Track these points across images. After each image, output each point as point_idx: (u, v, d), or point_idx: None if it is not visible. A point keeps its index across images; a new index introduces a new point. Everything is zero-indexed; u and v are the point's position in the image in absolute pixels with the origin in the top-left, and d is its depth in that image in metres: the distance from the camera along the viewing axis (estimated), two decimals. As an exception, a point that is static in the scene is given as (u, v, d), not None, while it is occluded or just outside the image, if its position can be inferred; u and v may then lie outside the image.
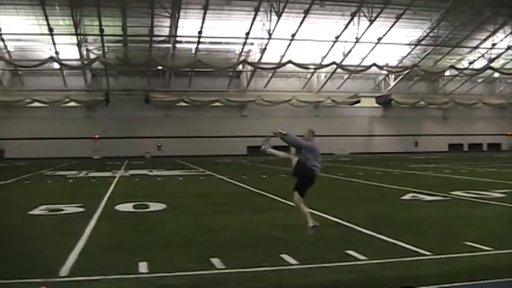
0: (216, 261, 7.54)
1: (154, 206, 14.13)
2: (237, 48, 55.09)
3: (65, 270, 7.24)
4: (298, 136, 10.64)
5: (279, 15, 47.47)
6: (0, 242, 9.51)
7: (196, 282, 6.61)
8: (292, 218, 11.66)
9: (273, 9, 47.64)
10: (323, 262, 7.47)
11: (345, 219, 11.39)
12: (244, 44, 53.03)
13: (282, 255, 7.83)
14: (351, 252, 8.01)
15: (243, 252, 8.29)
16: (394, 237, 9.15)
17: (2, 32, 48.37)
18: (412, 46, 57.35)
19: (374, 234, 9.66)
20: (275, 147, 11.01)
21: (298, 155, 10.50)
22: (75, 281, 6.71)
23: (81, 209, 13.68)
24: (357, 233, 9.95)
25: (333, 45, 54.23)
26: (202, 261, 7.55)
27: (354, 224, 10.79)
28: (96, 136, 56.84)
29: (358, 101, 60.89)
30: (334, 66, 55.68)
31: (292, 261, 7.55)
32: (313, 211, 12.55)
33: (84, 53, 52.84)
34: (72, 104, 56.69)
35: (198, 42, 51.58)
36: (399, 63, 60.17)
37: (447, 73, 62.79)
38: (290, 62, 53.50)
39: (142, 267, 7.30)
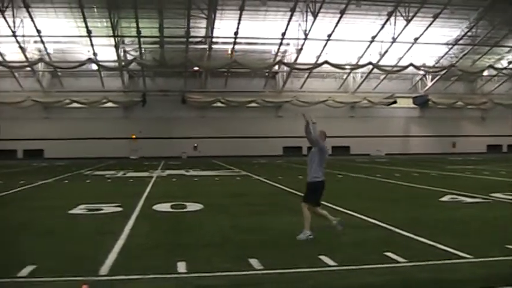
0: (254, 261, 7.57)
1: (192, 206, 14.22)
2: (273, 49, 55.02)
3: (104, 269, 7.35)
4: None
5: (315, 16, 47.30)
6: (42, 241, 9.64)
7: (235, 282, 6.64)
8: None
9: (309, 10, 47.50)
10: (361, 264, 7.44)
11: (382, 220, 11.31)
12: (280, 44, 52.96)
13: (320, 257, 7.82)
14: (389, 254, 7.97)
15: (281, 253, 8.30)
16: (433, 239, 9.06)
17: (42, 34, 49.13)
18: (450, 46, 56.51)
19: (412, 236, 9.58)
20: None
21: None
22: (115, 280, 6.80)
23: (120, 209, 13.86)
24: (396, 235, 9.87)
25: (369, 45, 53.83)
26: (240, 262, 7.59)
27: (392, 225, 10.71)
28: (133, 136, 57.37)
29: (395, 102, 60.25)
30: (371, 66, 55.23)
31: (330, 262, 7.54)
32: (351, 212, 12.61)
33: (122, 54, 53.38)
34: (110, 104, 57.31)
35: (234, 43, 51.67)
36: (436, 63, 59.41)
37: (485, 73, 61.65)
38: (326, 62, 53.24)
39: (181, 267, 7.37)
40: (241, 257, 7.89)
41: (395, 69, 56.58)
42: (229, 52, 53.12)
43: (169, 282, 6.67)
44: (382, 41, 52.93)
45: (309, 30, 49.15)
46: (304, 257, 7.87)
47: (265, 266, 7.33)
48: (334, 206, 13.77)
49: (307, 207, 9.96)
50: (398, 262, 7.55)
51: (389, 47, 53.27)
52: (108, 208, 13.88)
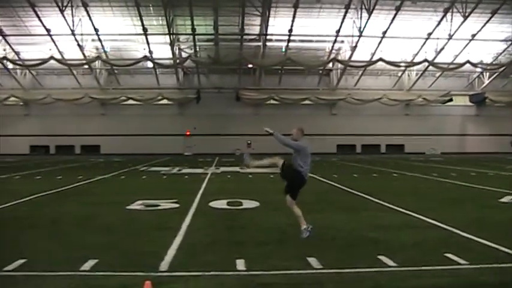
0: (312, 260, 7.55)
1: (248, 204, 14.26)
2: (327, 46, 54.93)
3: (164, 265, 7.43)
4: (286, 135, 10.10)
5: (369, 13, 46.95)
6: (102, 236, 9.81)
7: (295, 281, 6.62)
8: (387, 219, 11.56)
9: (363, 6, 47.18)
10: (422, 265, 7.33)
11: (441, 221, 11.08)
12: (335, 41, 52.80)
13: (379, 257, 7.74)
14: (450, 255, 7.83)
15: (340, 252, 8.24)
16: (495, 241, 8.83)
17: (100, 32, 50.10)
18: (508, 42, 55.29)
19: (473, 237, 9.36)
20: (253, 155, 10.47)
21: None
22: (176, 276, 6.86)
23: (176, 205, 13.98)
24: (456, 236, 9.66)
25: (424, 43, 53.13)
26: (299, 260, 7.57)
27: (451, 226, 10.48)
28: (188, 133, 57.92)
29: (451, 100, 59.30)
30: (426, 63, 54.46)
31: (390, 263, 7.45)
32: (409, 212, 12.42)
33: (177, 52, 54.07)
34: (165, 101, 58.16)
35: (288, 41, 51.68)
36: (494, 60, 58.25)
37: (546, 70, 60.11)
38: (381, 59, 52.77)
39: (240, 264, 7.40)
40: (300, 255, 7.86)
41: (451, 66, 55.68)
42: (283, 50, 53.16)
43: (229, 280, 6.69)
44: (438, 38, 52.25)
45: (364, 27, 48.85)
46: (363, 257, 7.81)
47: (324, 265, 7.29)
48: (391, 205, 13.66)
49: (293, 204, 9.73)
50: (459, 264, 7.40)
51: (446, 44, 52.50)
52: (165, 204, 14.02)
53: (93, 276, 6.85)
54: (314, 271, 7.08)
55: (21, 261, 7.60)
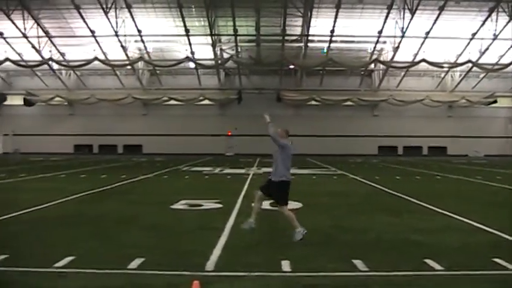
0: (358, 262, 7.53)
1: (291, 205, 14.11)
2: (369, 47, 54.50)
3: (210, 264, 7.50)
4: None
5: (412, 13, 46.37)
6: (147, 235, 9.93)
7: (341, 283, 6.61)
8: (432, 221, 11.46)
9: (406, 7, 46.61)
10: (469, 269, 7.27)
11: (488, 224, 10.93)
12: (377, 42, 52.35)
13: (425, 260, 7.68)
14: (498, 260, 7.72)
15: (385, 255, 8.20)
16: (545, 247, 8.68)
17: (142, 33, 50.69)
18: (555, 42, 54.10)
19: (522, 242, 9.22)
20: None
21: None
22: (222, 276, 6.92)
23: (219, 205, 14.10)
24: (503, 240, 9.52)
25: (468, 43, 52.27)
26: (345, 262, 7.57)
27: (498, 230, 10.34)
28: (229, 133, 58.15)
29: (495, 101, 58.18)
30: (470, 64, 53.50)
31: (437, 266, 7.39)
32: (453, 215, 12.28)
33: (218, 52, 54.30)
34: (206, 102, 58.38)
35: (330, 41, 51.45)
36: (541, 61, 56.97)
37: None
38: (423, 60, 52.09)
39: (285, 265, 7.42)
40: (345, 257, 7.86)
41: (496, 67, 54.54)
42: (324, 51, 53.00)
43: (275, 281, 6.71)
44: (482, 38, 51.27)
45: (406, 28, 48.26)
46: (408, 260, 7.77)
47: (370, 268, 7.27)
48: (435, 208, 13.52)
49: (286, 208, 9.72)
50: (509, 270, 7.28)
51: (490, 45, 51.53)
52: (208, 204, 14.13)
53: (140, 275, 6.96)
54: (360, 273, 7.06)
55: (70, 258, 7.76)
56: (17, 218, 11.90)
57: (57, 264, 7.41)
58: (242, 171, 30.31)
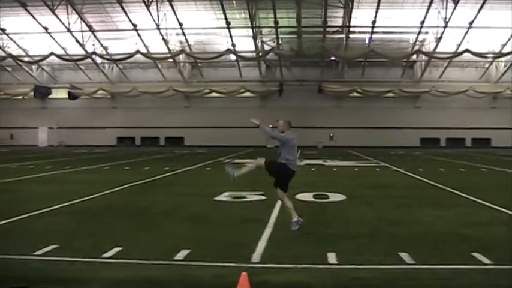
0: (405, 255, 7.45)
1: (334, 197, 14.22)
2: (411, 38, 53.76)
3: (256, 256, 7.52)
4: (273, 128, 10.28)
5: (455, 2, 45.54)
6: (192, 226, 10.02)
7: (389, 276, 6.56)
8: (479, 215, 11.28)
9: (449, -4, 45.92)
10: (519, 263, 7.12)
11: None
12: (419, 33, 51.58)
13: (473, 254, 7.55)
14: (549, 254, 7.55)
15: (432, 248, 8.08)
16: None
17: (184, 26, 51.04)
18: None
19: None
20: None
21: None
22: (268, 267, 6.92)
23: (263, 197, 14.06)
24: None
25: (514, 32, 51.28)
26: (392, 255, 7.50)
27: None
28: (270, 125, 58.08)
29: (542, 91, 57.01)
30: (515, 54, 52.52)
31: (485, 260, 7.24)
32: (501, 208, 12.06)
33: (259, 44, 54.24)
34: (247, 94, 58.59)
35: (372, 32, 50.96)
36: None
37: None
38: (467, 50, 51.16)
39: (331, 257, 7.38)
40: (392, 250, 7.79)
41: (542, 57, 53.36)
42: (366, 42, 52.60)
43: (322, 273, 6.68)
44: (528, 27, 50.14)
45: (449, 18, 47.39)
46: (456, 253, 7.65)
47: (417, 261, 7.18)
48: (481, 201, 13.29)
49: (284, 197, 9.79)
50: (560, 264, 7.13)
51: (537, 34, 50.37)
52: (251, 196, 14.14)
53: (187, 266, 7.00)
54: (407, 266, 6.98)
55: (117, 249, 7.87)
56: (64, 209, 12.11)
57: (105, 255, 7.53)
58: (284, 163, 30.18)
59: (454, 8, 46.12)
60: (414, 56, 56.16)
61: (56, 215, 11.33)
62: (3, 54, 55.80)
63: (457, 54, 52.21)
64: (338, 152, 44.50)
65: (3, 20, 53.09)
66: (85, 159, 34.17)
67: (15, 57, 55.83)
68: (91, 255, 7.51)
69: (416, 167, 26.62)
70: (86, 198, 13.87)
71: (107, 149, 52.00)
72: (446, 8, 46.85)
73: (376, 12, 47.17)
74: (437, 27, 49.81)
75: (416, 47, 53.56)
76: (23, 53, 57.64)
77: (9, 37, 55.73)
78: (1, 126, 61.54)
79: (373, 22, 48.62)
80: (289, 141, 9.85)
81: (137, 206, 12.63)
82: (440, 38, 50.55)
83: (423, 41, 54.40)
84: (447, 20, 47.63)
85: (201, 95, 58.95)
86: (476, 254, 7.54)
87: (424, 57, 55.83)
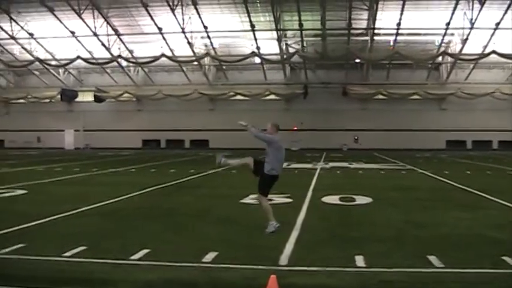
0: (433, 259, 7.44)
1: (360, 200, 14.20)
2: (437, 39, 53.33)
3: (284, 259, 7.56)
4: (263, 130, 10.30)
5: (482, 3, 45.12)
6: (219, 229, 10.08)
7: (417, 279, 6.54)
8: (507, 218, 11.22)
9: (475, -3, 45.54)
10: (550, 267, 7.07)
11: None
12: (444, 34, 51.15)
13: (503, 258, 7.49)
14: None
15: (460, 251, 8.07)
16: None
17: (208, 29, 51.25)
18: None
19: None
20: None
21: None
22: (296, 270, 6.96)
23: (290, 200, 14.13)
24: None
25: (542, 34, 50.62)
26: (420, 258, 7.49)
27: None
28: (295, 128, 58.10)
29: None
30: (543, 56, 51.84)
31: (516, 264, 7.21)
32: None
33: (284, 47, 54.29)
34: (272, 97, 58.59)
35: (397, 34, 50.70)
36: None
37: None
38: (494, 52, 50.64)
39: (359, 261, 7.39)
40: (420, 253, 7.78)
41: None
42: (391, 44, 52.35)
43: (350, 276, 6.71)
44: (557, 28, 49.50)
45: (475, 19, 46.94)
46: (485, 257, 7.61)
47: (446, 265, 7.16)
48: (508, 204, 13.18)
49: (264, 200, 9.97)
50: None
51: None
52: (278, 199, 14.07)
53: (215, 268, 7.05)
54: (436, 270, 6.97)
55: (146, 250, 7.96)
56: (92, 211, 12.28)
57: (133, 257, 7.62)
58: (309, 165, 30.29)
59: (480, 9, 45.70)
60: (440, 58, 55.70)
61: (84, 217, 11.50)
62: (31, 58, 56.52)
63: (484, 55, 51.69)
64: (363, 154, 44.31)
65: (31, 24, 53.88)
66: (111, 161, 34.47)
67: (42, 61, 56.51)
68: (119, 256, 7.60)
69: (442, 169, 26.46)
70: (113, 200, 14.05)
71: (132, 151, 52.36)
72: (472, 9, 46.44)
73: (401, 14, 46.91)
74: (463, 28, 49.36)
75: (442, 49, 53.15)
76: (50, 57, 58.31)
77: (36, 41, 56.48)
78: (28, 129, 62.16)
79: (398, 24, 48.36)
80: (275, 143, 10.01)
81: (164, 208, 12.77)
82: (466, 39, 50.11)
83: (449, 42, 53.97)
84: (473, 21, 47.19)
85: (225, 97, 59.16)
86: (506, 258, 7.47)
87: (449, 59, 55.34)
